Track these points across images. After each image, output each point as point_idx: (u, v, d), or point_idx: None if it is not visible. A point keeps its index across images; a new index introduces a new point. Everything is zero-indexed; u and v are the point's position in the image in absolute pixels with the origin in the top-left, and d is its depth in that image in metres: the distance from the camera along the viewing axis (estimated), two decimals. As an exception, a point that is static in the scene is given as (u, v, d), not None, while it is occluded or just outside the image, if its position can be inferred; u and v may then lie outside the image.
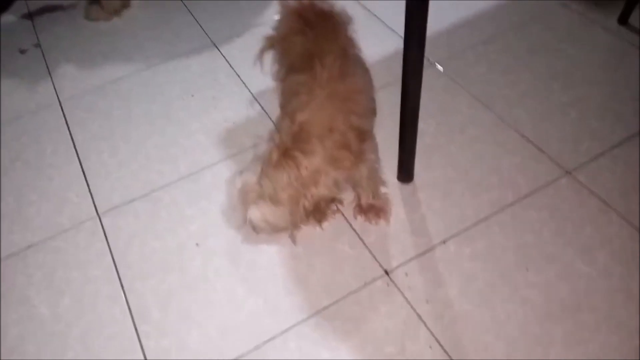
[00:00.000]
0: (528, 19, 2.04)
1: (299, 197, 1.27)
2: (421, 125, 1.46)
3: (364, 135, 1.31)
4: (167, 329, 1.33)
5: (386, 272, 1.38)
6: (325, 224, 1.45)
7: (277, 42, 1.52)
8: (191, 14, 2.27)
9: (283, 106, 1.39)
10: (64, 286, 1.43)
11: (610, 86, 1.77)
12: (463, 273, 1.37)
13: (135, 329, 1.34)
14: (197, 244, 1.49)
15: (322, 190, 1.27)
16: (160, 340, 1.31)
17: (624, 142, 1.61)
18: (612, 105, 1.71)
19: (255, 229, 1.36)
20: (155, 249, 1.49)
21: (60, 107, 1.93)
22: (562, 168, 1.56)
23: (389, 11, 2.14)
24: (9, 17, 2.35)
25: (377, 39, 2.02)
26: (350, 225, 1.49)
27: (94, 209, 1.60)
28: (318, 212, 1.40)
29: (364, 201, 1.47)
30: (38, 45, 2.20)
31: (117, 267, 1.46)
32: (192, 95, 1.91)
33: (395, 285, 1.36)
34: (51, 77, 2.05)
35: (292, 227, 1.37)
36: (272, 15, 2.14)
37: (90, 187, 1.66)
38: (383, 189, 1.50)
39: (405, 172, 1.56)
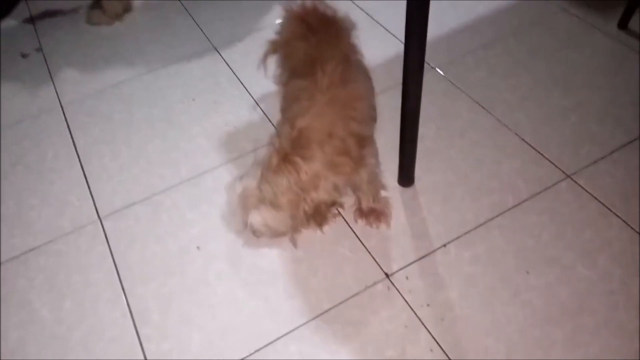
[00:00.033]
0: (528, 24, 2.05)
1: (299, 202, 1.27)
2: (421, 129, 1.46)
3: (364, 141, 1.31)
4: (168, 332, 1.33)
5: (387, 276, 1.39)
6: (326, 228, 1.45)
7: (280, 47, 1.52)
8: (192, 18, 2.28)
9: (284, 111, 1.40)
10: (65, 289, 1.44)
11: (610, 90, 1.78)
12: (463, 276, 1.37)
13: (137, 332, 1.34)
14: (198, 248, 1.49)
15: (322, 194, 1.28)
16: (161, 343, 1.32)
17: (624, 146, 1.61)
18: (612, 109, 1.72)
19: (255, 233, 1.36)
20: (156, 253, 1.49)
21: (61, 111, 1.93)
22: (563, 172, 1.56)
23: (389, 16, 2.15)
24: (10, 22, 2.36)
25: (378, 43, 2.03)
26: (351, 228, 1.49)
27: (95, 212, 1.60)
28: (319, 215, 1.41)
29: (364, 205, 1.47)
30: (40, 49, 2.21)
31: (118, 270, 1.46)
32: (193, 99, 1.92)
33: (396, 288, 1.36)
34: (53, 81, 2.06)
35: (292, 231, 1.37)
36: (273, 20, 2.16)
37: (92, 191, 1.66)
38: (383, 193, 1.50)
39: (406, 176, 1.56)
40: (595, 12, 2.06)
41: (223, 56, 2.08)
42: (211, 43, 2.14)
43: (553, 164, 1.59)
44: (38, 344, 1.34)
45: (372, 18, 2.15)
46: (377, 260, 1.42)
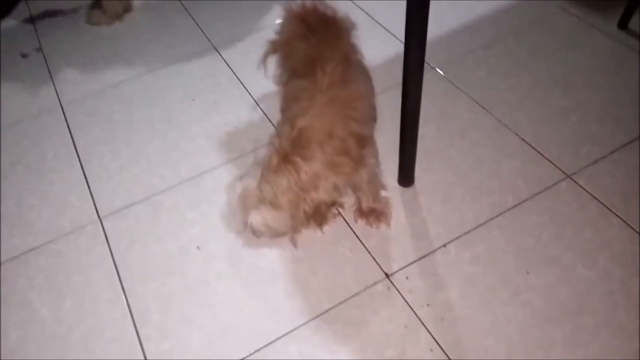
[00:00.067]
0: (528, 24, 2.05)
1: (299, 202, 1.27)
2: (421, 129, 1.46)
3: (364, 142, 1.31)
4: (168, 332, 1.33)
5: (387, 276, 1.39)
6: (326, 228, 1.45)
7: (280, 47, 1.52)
8: (192, 18, 2.28)
9: (284, 111, 1.40)
10: (65, 289, 1.44)
11: (610, 90, 1.78)
12: (463, 276, 1.37)
13: (137, 332, 1.34)
14: (198, 248, 1.49)
15: (322, 194, 1.28)
16: (161, 343, 1.32)
17: (623, 146, 1.61)
18: (612, 109, 1.72)
19: (255, 233, 1.36)
20: (156, 253, 1.49)
21: (61, 111, 1.93)
22: (563, 172, 1.56)
23: (389, 15, 2.15)
24: (11, 22, 2.36)
25: (378, 43, 2.03)
26: (351, 228, 1.49)
27: (95, 212, 1.60)
28: (319, 215, 1.41)
29: (364, 205, 1.47)
30: (40, 49, 2.21)
31: (118, 270, 1.46)
32: (193, 99, 1.92)
33: (396, 288, 1.36)
34: (53, 81, 2.06)
35: (292, 231, 1.37)
36: (273, 20, 2.16)
37: (92, 191, 1.66)
38: (383, 193, 1.50)
39: (406, 176, 1.57)
40: (595, 12, 2.06)
41: (223, 56, 2.08)
42: (211, 43, 2.14)
43: (553, 164, 1.59)
44: (38, 344, 1.34)
45: (372, 18, 2.15)
46: (377, 260, 1.42)
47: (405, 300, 1.34)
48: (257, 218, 1.32)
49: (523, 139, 1.66)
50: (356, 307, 1.33)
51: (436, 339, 1.27)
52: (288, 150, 1.24)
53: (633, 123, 1.67)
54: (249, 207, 1.32)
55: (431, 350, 1.25)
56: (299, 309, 1.34)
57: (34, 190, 1.68)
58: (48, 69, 2.12)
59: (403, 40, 1.24)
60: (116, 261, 1.48)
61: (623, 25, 1.98)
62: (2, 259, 1.51)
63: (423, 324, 1.29)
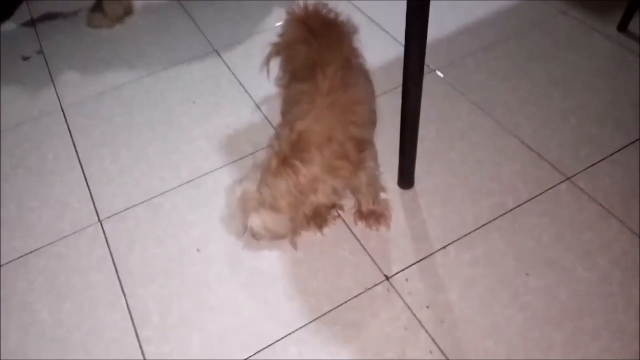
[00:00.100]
0: (528, 26, 2.05)
1: (299, 204, 1.28)
2: (421, 131, 1.47)
3: (363, 146, 1.32)
4: (168, 335, 1.33)
5: (387, 278, 1.39)
6: (325, 230, 1.46)
7: (282, 49, 1.53)
8: (193, 20, 2.28)
9: (284, 114, 1.40)
10: (65, 291, 1.44)
11: (610, 93, 1.78)
12: (463, 278, 1.37)
13: (136, 335, 1.34)
14: (198, 250, 1.49)
15: (321, 197, 1.28)
16: (161, 345, 1.32)
17: (623, 148, 1.61)
18: (612, 111, 1.72)
19: (255, 236, 1.37)
20: (156, 255, 1.49)
21: (62, 114, 1.94)
22: (562, 174, 1.56)
23: (389, 18, 2.15)
24: (11, 24, 2.36)
25: (378, 46, 2.03)
26: (351, 231, 1.49)
27: (95, 214, 1.61)
28: (319, 217, 1.41)
29: (364, 207, 1.47)
30: (40, 52, 2.21)
31: (118, 272, 1.47)
32: (194, 102, 1.92)
33: (396, 290, 1.36)
34: (53, 84, 2.06)
35: (292, 233, 1.38)
36: (273, 22, 2.17)
37: (92, 193, 1.66)
38: (383, 195, 1.50)
39: (406, 178, 1.57)
40: (595, 15, 2.06)
41: (224, 58, 2.08)
42: (212, 46, 2.15)
43: (553, 166, 1.59)
44: (38, 346, 1.34)
45: (372, 20, 2.15)
46: (377, 262, 1.42)
47: (405, 302, 1.34)
48: (256, 221, 1.32)
49: (523, 141, 1.66)
50: (356, 309, 1.34)
51: (436, 341, 1.27)
52: (287, 153, 1.24)
53: (632, 125, 1.67)
54: (249, 210, 1.32)
55: (431, 352, 1.25)
56: (299, 311, 1.34)
57: (34, 192, 1.68)
58: (49, 71, 2.12)
59: (403, 42, 1.25)
60: (116, 263, 1.48)
61: (622, 27, 1.98)
62: (3, 261, 1.52)
63: (423, 326, 1.29)
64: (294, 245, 1.43)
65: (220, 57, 2.09)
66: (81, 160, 1.76)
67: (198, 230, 1.53)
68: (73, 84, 2.05)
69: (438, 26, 2.06)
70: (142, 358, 1.30)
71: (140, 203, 1.62)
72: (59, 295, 1.43)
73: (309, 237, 1.46)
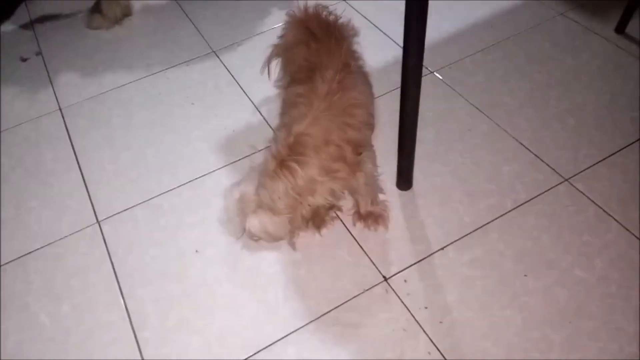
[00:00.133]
0: (526, 28, 2.05)
1: (297, 206, 1.28)
2: (420, 133, 1.47)
3: (361, 148, 1.32)
4: (167, 336, 1.33)
5: (385, 279, 1.39)
6: (324, 231, 1.46)
7: (282, 51, 1.53)
8: (192, 22, 2.28)
9: (282, 116, 1.40)
10: (64, 293, 1.44)
11: (608, 94, 1.78)
12: (462, 279, 1.37)
13: (135, 336, 1.34)
14: (196, 251, 1.49)
15: (319, 199, 1.29)
16: (159, 347, 1.32)
17: (621, 150, 1.61)
18: (610, 113, 1.72)
19: (253, 237, 1.37)
20: (154, 256, 1.49)
21: (61, 115, 1.94)
22: (561, 175, 1.57)
23: (388, 21, 2.15)
24: (10, 26, 2.36)
25: (377, 48, 2.03)
26: (349, 232, 1.49)
27: (93, 216, 1.61)
28: (317, 218, 1.42)
29: (362, 208, 1.47)
30: (39, 53, 2.21)
31: (117, 274, 1.46)
32: (193, 103, 1.92)
33: (394, 291, 1.36)
34: (52, 85, 2.06)
35: (290, 235, 1.38)
36: (272, 24, 2.17)
37: (90, 194, 1.66)
38: (382, 196, 1.51)
39: (404, 180, 1.57)
40: (593, 17, 2.06)
41: (222, 60, 2.08)
42: (210, 47, 2.15)
43: (551, 167, 1.59)
44: (36, 348, 1.34)
45: (372, 23, 2.15)
46: (375, 263, 1.42)
47: (404, 303, 1.34)
48: (255, 223, 1.32)
49: (521, 143, 1.66)
50: (354, 310, 1.34)
51: (434, 342, 1.27)
52: (285, 155, 1.24)
53: (631, 126, 1.67)
54: (247, 212, 1.33)
55: (429, 353, 1.25)
56: (298, 311, 1.34)
57: (32, 193, 1.68)
58: (47, 72, 2.12)
59: (402, 44, 1.25)
60: (114, 264, 1.48)
61: (620, 29, 1.99)
62: (1, 262, 1.51)
63: (421, 327, 1.29)
64: (293, 247, 1.43)
65: (219, 58, 2.09)
66: (80, 162, 1.76)
67: (197, 232, 1.53)
68: (72, 85, 2.05)
69: (437, 28, 2.07)
70: (140, 359, 1.30)
71: (139, 204, 1.62)
72: (57, 297, 1.43)
73: (307, 238, 1.46)
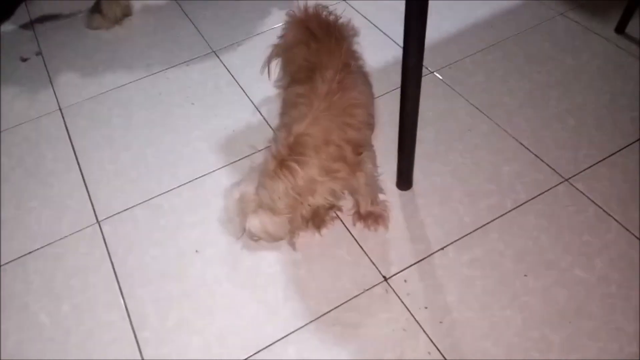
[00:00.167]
0: (526, 28, 2.05)
1: (297, 206, 1.28)
2: (420, 133, 1.47)
3: (361, 148, 1.32)
4: (167, 336, 1.33)
5: (385, 279, 1.39)
6: (324, 231, 1.46)
7: (282, 51, 1.53)
8: (192, 22, 2.28)
9: (282, 116, 1.40)
10: (64, 293, 1.44)
11: (608, 94, 1.78)
12: (462, 279, 1.37)
13: (135, 336, 1.34)
14: (196, 251, 1.49)
15: (318, 199, 1.29)
16: (159, 347, 1.32)
17: (621, 150, 1.61)
18: (610, 113, 1.72)
19: (253, 237, 1.37)
20: (154, 256, 1.49)
21: (61, 115, 1.94)
22: (561, 175, 1.57)
23: (388, 21, 2.15)
24: (10, 26, 2.36)
25: (377, 48, 2.03)
26: (349, 232, 1.49)
27: (93, 216, 1.61)
28: (317, 218, 1.41)
29: (362, 208, 1.47)
30: (39, 53, 2.21)
31: (117, 274, 1.46)
32: (192, 103, 1.92)
33: (394, 291, 1.36)
34: (52, 85, 2.06)
35: (290, 235, 1.38)
36: (272, 24, 2.17)
37: (90, 194, 1.66)
38: (382, 196, 1.51)
39: (404, 180, 1.57)
40: (593, 17, 2.06)
41: (222, 60, 2.08)
42: (210, 47, 2.15)
43: (551, 167, 1.59)
44: (36, 348, 1.34)
45: (372, 23, 2.15)
46: (375, 263, 1.42)
47: (404, 303, 1.34)
48: (255, 223, 1.32)
49: (521, 143, 1.66)
50: (354, 310, 1.34)
51: (434, 342, 1.27)
52: (284, 155, 1.24)
53: (631, 126, 1.67)
54: (247, 212, 1.33)
55: (429, 353, 1.25)
56: (298, 311, 1.34)
57: (33, 193, 1.68)
58: (47, 72, 2.12)
59: (402, 44, 1.25)
60: (114, 264, 1.48)
61: (620, 29, 1.99)
62: (1, 262, 1.51)
63: (421, 326, 1.29)
64: (293, 247, 1.43)
65: (219, 58, 2.09)
66: (80, 162, 1.76)
67: (197, 232, 1.53)
68: (72, 85, 2.05)
69: (437, 28, 2.07)
70: (140, 359, 1.30)
71: (139, 204, 1.62)
72: (57, 297, 1.43)
73: (307, 238, 1.46)
